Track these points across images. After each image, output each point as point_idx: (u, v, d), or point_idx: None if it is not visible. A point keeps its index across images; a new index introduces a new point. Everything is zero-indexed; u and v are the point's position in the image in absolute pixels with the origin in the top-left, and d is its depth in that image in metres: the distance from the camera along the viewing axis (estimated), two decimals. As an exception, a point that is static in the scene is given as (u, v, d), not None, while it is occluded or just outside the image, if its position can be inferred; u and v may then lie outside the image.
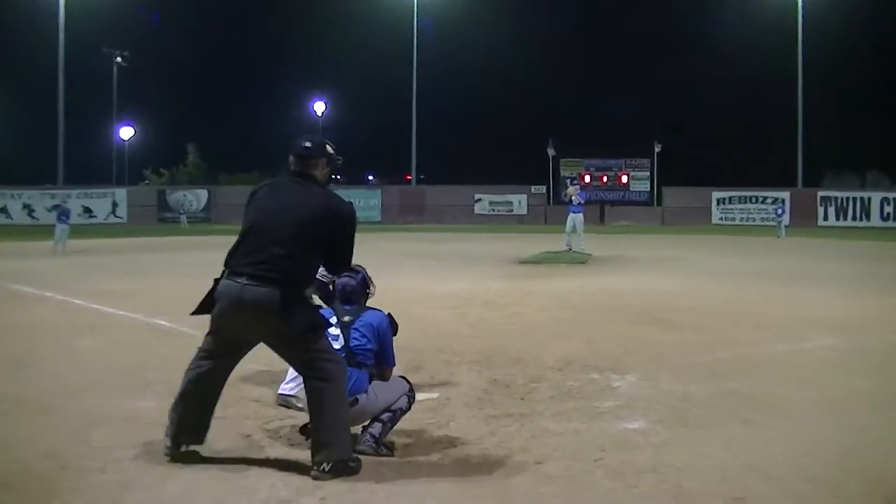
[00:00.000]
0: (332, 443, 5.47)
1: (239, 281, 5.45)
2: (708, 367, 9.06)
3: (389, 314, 6.34)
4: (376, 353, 6.14)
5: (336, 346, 5.99)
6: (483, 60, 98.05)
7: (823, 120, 74.83)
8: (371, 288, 6.48)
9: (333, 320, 6.13)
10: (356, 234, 5.88)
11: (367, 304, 6.42)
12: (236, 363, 5.88)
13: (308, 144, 5.81)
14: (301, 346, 5.55)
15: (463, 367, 9.13)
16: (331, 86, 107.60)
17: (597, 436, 6.51)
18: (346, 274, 6.33)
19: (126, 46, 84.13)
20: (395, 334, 6.32)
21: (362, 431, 6.06)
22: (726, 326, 11.81)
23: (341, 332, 6.09)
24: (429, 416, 6.98)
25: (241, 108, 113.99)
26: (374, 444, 5.96)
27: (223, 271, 5.64)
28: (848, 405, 7.48)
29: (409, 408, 6.28)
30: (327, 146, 5.88)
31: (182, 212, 60.57)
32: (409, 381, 6.40)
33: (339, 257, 5.78)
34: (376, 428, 6.03)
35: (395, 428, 6.23)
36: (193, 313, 5.77)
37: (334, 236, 5.66)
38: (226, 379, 5.87)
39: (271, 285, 5.37)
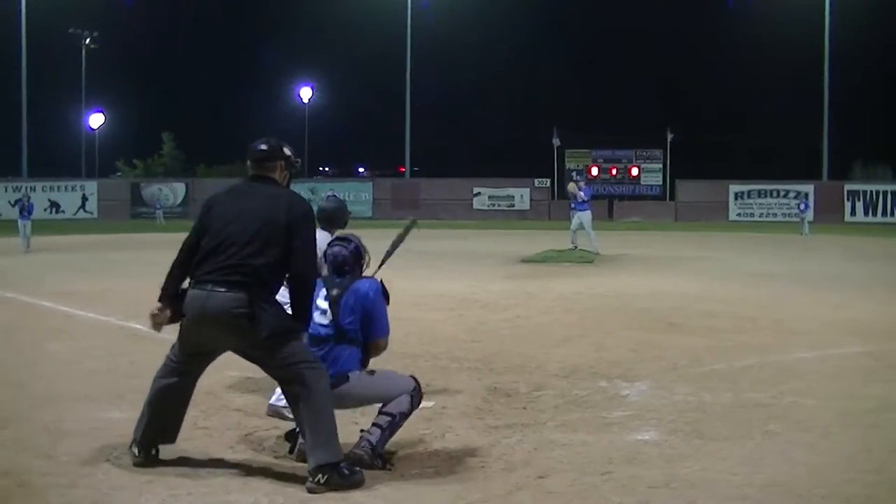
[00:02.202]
0: (317, 446, 5.57)
1: (205, 289, 5.65)
2: (726, 374, 9.07)
3: (381, 281, 6.32)
4: (365, 322, 6.12)
5: (324, 321, 6.07)
6: (482, 43, 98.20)
7: (852, 105, 74.75)
8: (366, 258, 6.46)
9: (323, 293, 6.16)
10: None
11: (360, 276, 6.36)
12: (204, 369, 6.15)
13: (264, 147, 6.09)
14: (273, 352, 5.68)
15: (461, 373, 9.14)
16: (318, 69, 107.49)
17: (605, 448, 6.52)
18: (337, 243, 6.40)
19: (95, 27, 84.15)
20: (387, 301, 6.29)
21: (360, 437, 6.06)
22: (746, 331, 11.82)
23: (329, 307, 6.10)
24: (424, 426, 6.99)
25: (220, 94, 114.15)
26: (369, 452, 5.95)
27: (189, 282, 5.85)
28: (880, 417, 7.48)
29: (412, 411, 6.23)
30: (284, 148, 6.15)
31: (158, 207, 60.55)
32: (417, 381, 6.35)
33: (298, 261, 5.76)
34: (375, 434, 6.02)
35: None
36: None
37: (292, 233, 5.75)
38: (195, 385, 6.16)
39: (238, 289, 5.58)
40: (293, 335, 5.75)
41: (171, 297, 5.85)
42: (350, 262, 6.30)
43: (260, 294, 5.61)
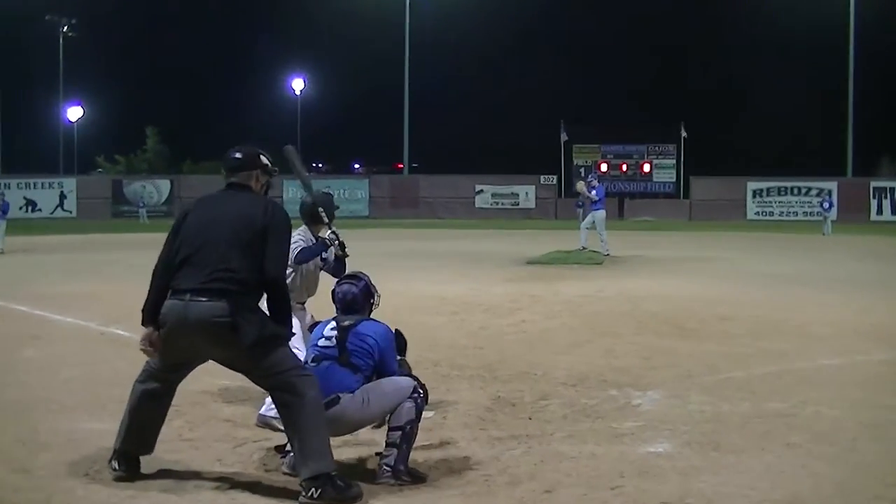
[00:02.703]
0: (310, 456, 5.57)
1: (183, 299, 5.69)
2: (743, 383, 9.07)
3: (397, 330, 6.47)
4: (377, 368, 6.19)
5: (329, 344, 6.15)
6: (484, 31, 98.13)
7: (878, 96, 74.62)
8: (375, 297, 6.60)
9: (332, 324, 6.26)
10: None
11: (371, 317, 6.49)
12: (184, 377, 6.20)
13: (238, 155, 6.23)
14: (259, 361, 5.72)
15: (463, 381, 9.15)
16: (311, 59, 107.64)
17: (615, 461, 6.51)
18: (346, 280, 6.54)
19: (74, 13, 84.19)
20: (403, 353, 6.49)
21: (379, 464, 6.06)
22: (764, 337, 11.82)
23: (338, 335, 6.17)
24: (424, 437, 6.95)
25: (208, 85, 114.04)
26: (391, 476, 5.96)
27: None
28: (905, 428, 7.49)
29: (421, 413, 6.21)
30: (260, 156, 6.28)
31: (141, 205, 60.63)
32: (416, 378, 6.34)
33: (271, 267, 5.83)
34: (391, 456, 6.00)
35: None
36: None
37: (268, 237, 5.83)
38: (174, 392, 6.21)
39: (218, 298, 5.61)
40: (278, 342, 5.78)
41: (154, 319, 5.86)
42: (360, 300, 6.46)
43: (241, 302, 5.64)
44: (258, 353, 5.66)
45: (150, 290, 5.91)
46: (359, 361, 6.09)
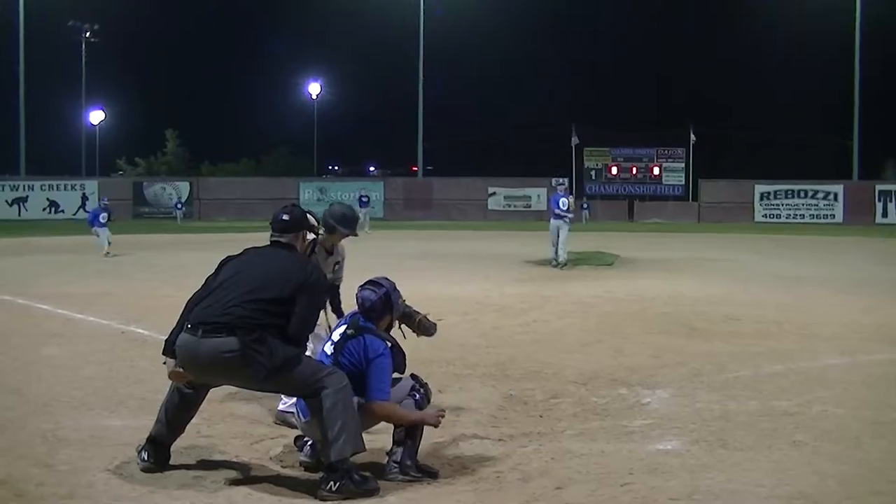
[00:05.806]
0: (333, 441, 5.60)
1: (195, 335, 5.75)
2: (751, 382, 9.04)
3: (396, 346, 6.20)
4: (361, 380, 5.98)
5: (329, 350, 6.14)
6: (499, 36, 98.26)
7: (885, 100, 74.34)
8: (398, 304, 6.38)
9: (341, 329, 6.20)
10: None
11: (377, 333, 6.19)
12: (214, 387, 6.34)
13: (286, 218, 6.39)
14: (280, 383, 5.86)
15: (475, 380, 9.14)
16: (327, 64, 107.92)
17: (625, 458, 6.51)
18: (367, 287, 6.32)
19: (96, 19, 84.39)
20: (402, 370, 6.18)
21: (387, 462, 6.05)
22: (771, 337, 11.79)
23: (336, 343, 6.11)
24: (437, 434, 6.96)
25: (226, 89, 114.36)
26: (399, 472, 5.95)
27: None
28: (911, 426, 7.45)
29: (423, 409, 6.19)
30: (307, 217, 6.53)
31: (180, 206, 60.82)
32: (415, 378, 6.32)
33: (296, 326, 5.86)
34: (397, 453, 6.00)
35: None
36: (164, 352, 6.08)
37: (300, 297, 5.86)
38: (205, 395, 6.30)
39: (226, 334, 5.65)
40: (293, 363, 5.76)
41: (174, 350, 5.95)
42: (378, 308, 6.25)
43: (249, 336, 5.63)
44: (276, 379, 5.74)
45: (176, 324, 5.99)
46: (350, 372, 5.97)
